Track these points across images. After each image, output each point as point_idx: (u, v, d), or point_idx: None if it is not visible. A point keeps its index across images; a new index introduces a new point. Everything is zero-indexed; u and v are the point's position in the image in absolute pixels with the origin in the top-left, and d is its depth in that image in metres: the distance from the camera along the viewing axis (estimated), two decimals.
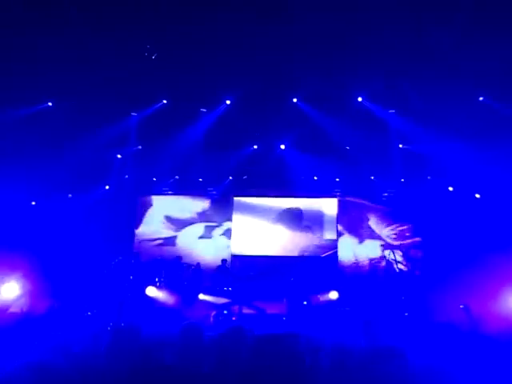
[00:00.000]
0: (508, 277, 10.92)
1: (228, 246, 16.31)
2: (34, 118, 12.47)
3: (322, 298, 12.30)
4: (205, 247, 16.36)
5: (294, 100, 13.17)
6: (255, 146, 15.23)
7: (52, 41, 10.51)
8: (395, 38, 10.74)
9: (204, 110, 14.04)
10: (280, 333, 3.34)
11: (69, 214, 14.07)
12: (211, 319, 8.96)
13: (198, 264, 14.26)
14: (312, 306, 7.89)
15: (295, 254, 15.79)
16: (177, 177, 16.60)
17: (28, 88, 11.80)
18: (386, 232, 15.81)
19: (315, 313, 8.32)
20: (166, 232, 16.76)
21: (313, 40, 10.79)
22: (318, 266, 14.65)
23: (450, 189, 14.43)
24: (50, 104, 12.88)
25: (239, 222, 16.52)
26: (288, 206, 16.29)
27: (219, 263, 14.44)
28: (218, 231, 16.60)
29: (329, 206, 16.34)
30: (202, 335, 4.14)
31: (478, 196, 13.85)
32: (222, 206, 16.71)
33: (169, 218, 16.91)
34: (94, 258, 13.29)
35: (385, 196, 16.08)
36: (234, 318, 7.80)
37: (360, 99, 12.95)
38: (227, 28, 10.29)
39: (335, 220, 16.14)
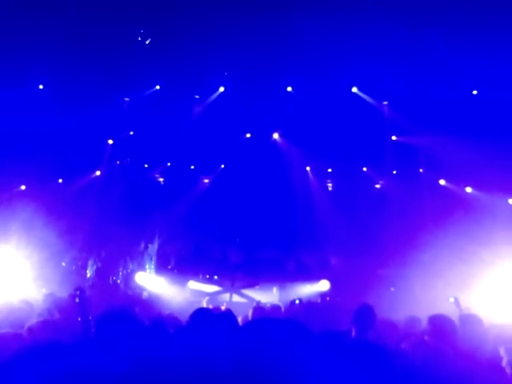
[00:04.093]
0: None
1: None
2: (24, 101, 12.34)
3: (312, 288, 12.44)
4: None
5: (289, 89, 13.10)
6: (248, 135, 15.16)
7: (45, 24, 10.38)
8: (388, 29, 10.75)
9: (197, 97, 13.95)
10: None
11: (59, 200, 13.91)
12: (204, 305, 8.92)
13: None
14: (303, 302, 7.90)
15: None
16: (168, 164, 16.50)
17: (19, 71, 11.68)
18: None
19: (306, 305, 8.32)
20: None
21: (308, 30, 10.74)
22: None
23: (442, 182, 14.45)
24: (40, 87, 12.73)
25: None
26: None
27: None
28: None
29: None
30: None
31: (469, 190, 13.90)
32: None
33: None
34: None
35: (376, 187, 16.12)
36: (223, 307, 7.77)
37: (355, 89, 12.91)
38: (221, 15, 10.21)
39: None
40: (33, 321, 5.78)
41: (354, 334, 4.49)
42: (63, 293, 9.25)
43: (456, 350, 3.79)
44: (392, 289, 10.27)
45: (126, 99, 13.93)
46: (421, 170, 14.94)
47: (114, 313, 3.88)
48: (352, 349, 3.78)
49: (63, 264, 12.70)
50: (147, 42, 11.68)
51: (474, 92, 12.10)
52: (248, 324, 3.54)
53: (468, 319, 4.78)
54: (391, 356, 3.63)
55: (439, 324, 4.13)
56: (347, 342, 4.16)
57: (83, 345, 3.79)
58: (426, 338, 4.22)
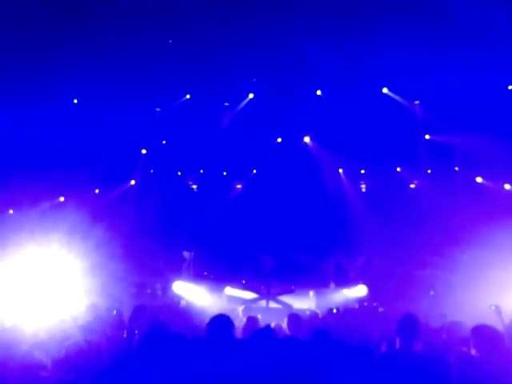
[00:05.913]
0: None
1: None
2: (58, 116, 12.69)
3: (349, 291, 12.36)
4: None
5: (318, 92, 13.05)
6: (279, 139, 15.17)
7: (77, 39, 10.64)
8: (418, 28, 10.56)
9: (227, 104, 14.05)
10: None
11: (97, 210, 14.20)
12: (240, 314, 8.91)
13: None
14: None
15: None
16: (201, 171, 16.65)
17: (55, 87, 12.03)
18: None
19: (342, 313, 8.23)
20: None
21: (336, 32, 10.67)
22: None
23: (479, 180, 14.10)
24: (75, 101, 13.06)
25: None
26: None
27: None
28: None
29: None
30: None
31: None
32: None
33: None
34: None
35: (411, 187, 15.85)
36: (259, 316, 7.77)
37: (385, 90, 12.76)
38: (248, 23, 10.26)
39: None
40: (74, 333, 5.93)
41: (398, 344, 4.41)
42: (103, 303, 9.45)
43: (502, 362, 3.69)
44: (431, 292, 10.01)
45: (158, 109, 14.15)
46: (456, 168, 14.63)
47: (157, 330, 3.96)
48: (398, 362, 3.75)
49: (103, 274, 12.93)
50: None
51: (510, 87, 11.78)
52: (286, 343, 3.53)
53: None
54: (437, 369, 3.59)
55: (483, 335, 4.01)
56: (392, 354, 4.12)
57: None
58: (470, 350, 4.11)
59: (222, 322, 4.21)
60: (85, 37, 10.88)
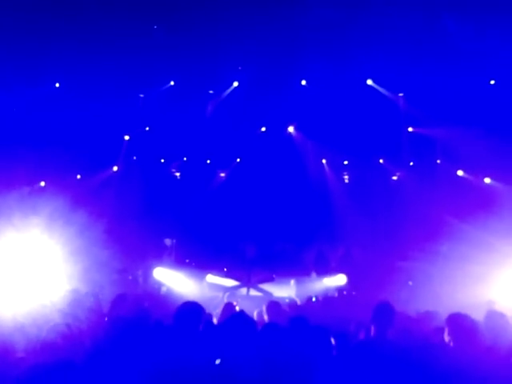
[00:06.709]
0: None
1: None
2: (40, 100, 12.51)
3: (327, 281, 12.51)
4: None
5: (303, 82, 13.06)
6: (263, 128, 15.16)
7: (60, 23, 10.48)
8: (404, 20, 10.63)
9: (211, 92, 13.99)
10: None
11: (78, 196, 14.08)
12: (225, 300, 8.98)
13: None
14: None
15: None
16: (185, 158, 16.58)
17: (37, 70, 11.85)
18: None
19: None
20: None
21: (322, 22, 10.67)
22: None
23: (460, 173, 14.29)
24: (57, 85, 12.88)
25: None
26: None
27: None
28: None
29: None
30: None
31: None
32: None
33: None
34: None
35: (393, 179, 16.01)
36: (235, 303, 7.82)
37: (369, 82, 12.82)
38: (235, 10, 10.20)
39: None
40: (54, 317, 5.92)
41: (372, 332, 4.50)
42: (84, 289, 9.42)
43: (476, 350, 3.79)
44: (410, 283, 10.21)
45: (141, 95, 14.03)
46: (438, 161, 14.81)
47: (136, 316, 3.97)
48: (371, 349, 3.83)
49: (84, 260, 12.86)
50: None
51: (492, 82, 11.93)
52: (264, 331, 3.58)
53: (494, 315, 4.73)
54: (410, 357, 3.67)
55: (457, 324, 4.10)
56: (367, 341, 4.20)
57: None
58: (445, 337, 4.21)
59: (190, 309, 4.20)
60: (68, 21, 10.72)
